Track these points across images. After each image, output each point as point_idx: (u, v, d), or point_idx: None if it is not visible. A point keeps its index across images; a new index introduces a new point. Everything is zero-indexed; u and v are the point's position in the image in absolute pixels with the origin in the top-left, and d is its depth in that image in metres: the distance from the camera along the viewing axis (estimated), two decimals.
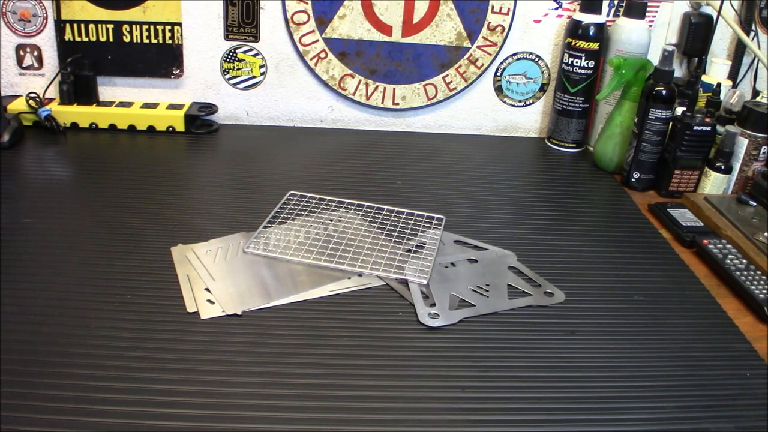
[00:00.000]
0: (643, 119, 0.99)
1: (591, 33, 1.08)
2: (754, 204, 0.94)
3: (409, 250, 0.79)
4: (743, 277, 0.78)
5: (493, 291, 0.74)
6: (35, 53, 1.08)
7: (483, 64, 1.16)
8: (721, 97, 1.05)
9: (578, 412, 0.59)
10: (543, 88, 1.20)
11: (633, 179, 1.03)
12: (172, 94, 1.14)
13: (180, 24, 1.08)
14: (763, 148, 0.98)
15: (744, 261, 0.82)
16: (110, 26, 1.07)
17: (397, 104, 1.18)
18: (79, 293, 0.68)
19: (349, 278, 0.74)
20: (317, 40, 1.11)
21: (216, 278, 0.72)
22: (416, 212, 0.88)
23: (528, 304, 0.73)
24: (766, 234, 0.86)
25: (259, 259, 0.76)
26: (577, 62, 1.09)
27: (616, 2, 1.14)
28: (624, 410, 0.60)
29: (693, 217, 0.93)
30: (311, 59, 1.13)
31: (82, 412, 0.54)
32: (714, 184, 0.98)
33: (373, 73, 1.15)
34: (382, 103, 1.17)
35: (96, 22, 1.07)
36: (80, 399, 0.55)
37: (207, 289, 0.70)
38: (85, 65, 1.07)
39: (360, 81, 1.15)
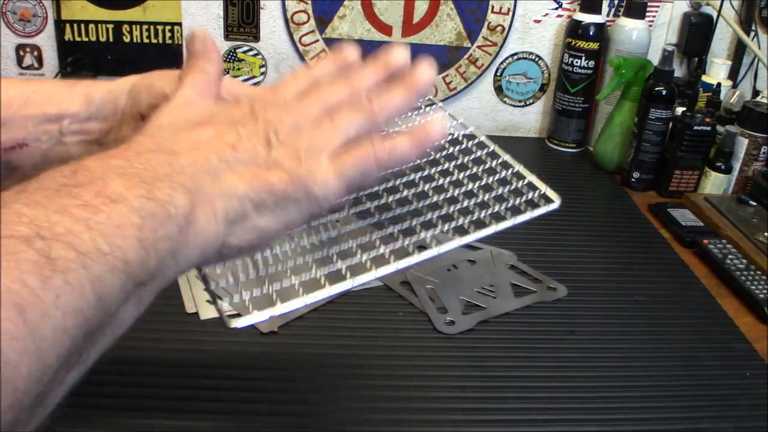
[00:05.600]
0: (643, 119, 0.99)
1: (591, 33, 1.08)
2: (754, 204, 0.94)
3: None
4: (743, 277, 0.78)
5: (499, 291, 0.74)
6: (35, 53, 1.08)
7: (483, 64, 1.16)
8: (721, 97, 1.05)
9: (578, 412, 0.59)
10: (543, 88, 1.20)
11: (633, 179, 1.03)
12: None
13: (180, 24, 1.08)
14: (763, 148, 0.98)
15: (744, 261, 0.82)
16: (110, 26, 1.07)
17: None
18: None
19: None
20: (317, 40, 1.11)
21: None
22: None
23: (535, 301, 0.73)
24: (766, 234, 0.86)
25: None
26: (577, 62, 1.09)
27: (616, 2, 1.14)
28: (624, 410, 0.60)
29: (693, 217, 0.93)
30: (311, 59, 1.13)
31: (81, 411, 0.54)
32: (714, 184, 0.98)
33: None
34: None
35: (96, 22, 1.06)
36: (79, 398, 0.55)
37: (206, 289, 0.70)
38: (85, 65, 1.07)
39: None
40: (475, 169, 0.49)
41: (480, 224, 0.42)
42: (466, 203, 0.44)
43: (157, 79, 0.46)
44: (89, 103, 0.46)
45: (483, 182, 0.47)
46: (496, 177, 0.46)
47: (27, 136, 0.45)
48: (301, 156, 0.37)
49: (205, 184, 0.34)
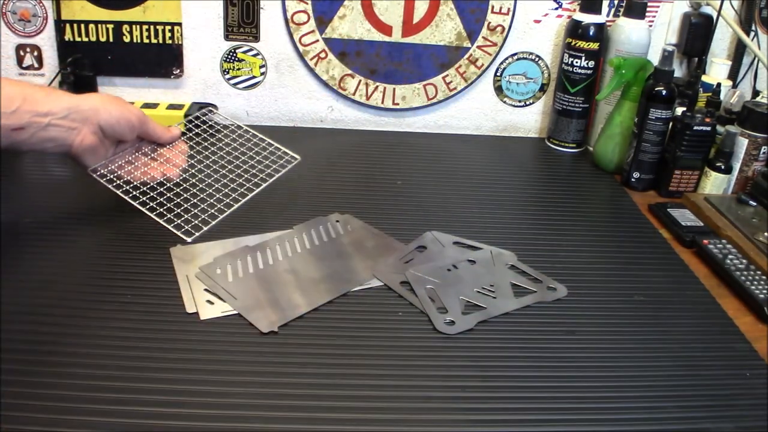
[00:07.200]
0: (643, 119, 0.99)
1: (591, 33, 1.08)
2: (754, 204, 0.94)
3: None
4: (743, 277, 0.78)
5: (499, 291, 0.74)
6: (35, 53, 1.08)
7: (483, 64, 1.16)
8: (721, 97, 1.05)
9: (578, 412, 0.59)
10: (543, 88, 1.20)
11: (633, 179, 1.03)
12: (172, 94, 1.14)
13: (180, 24, 1.08)
14: (763, 148, 0.98)
15: (744, 261, 0.82)
16: (110, 26, 1.07)
17: (397, 104, 1.18)
18: (80, 293, 0.68)
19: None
20: (317, 40, 1.11)
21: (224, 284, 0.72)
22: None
23: (535, 301, 0.73)
24: (766, 234, 0.86)
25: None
26: (577, 62, 1.09)
27: (616, 2, 1.14)
28: (624, 410, 0.60)
29: (693, 217, 0.93)
30: (311, 59, 1.13)
31: (82, 412, 0.54)
32: (714, 184, 0.98)
33: (373, 73, 1.15)
34: (382, 103, 1.17)
35: (96, 22, 1.06)
36: (80, 399, 0.55)
37: (207, 290, 0.70)
38: (85, 65, 1.07)
39: (360, 81, 1.15)
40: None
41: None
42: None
43: (117, 119, 0.77)
44: (66, 109, 0.73)
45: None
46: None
47: (25, 123, 0.70)
48: None
49: None
